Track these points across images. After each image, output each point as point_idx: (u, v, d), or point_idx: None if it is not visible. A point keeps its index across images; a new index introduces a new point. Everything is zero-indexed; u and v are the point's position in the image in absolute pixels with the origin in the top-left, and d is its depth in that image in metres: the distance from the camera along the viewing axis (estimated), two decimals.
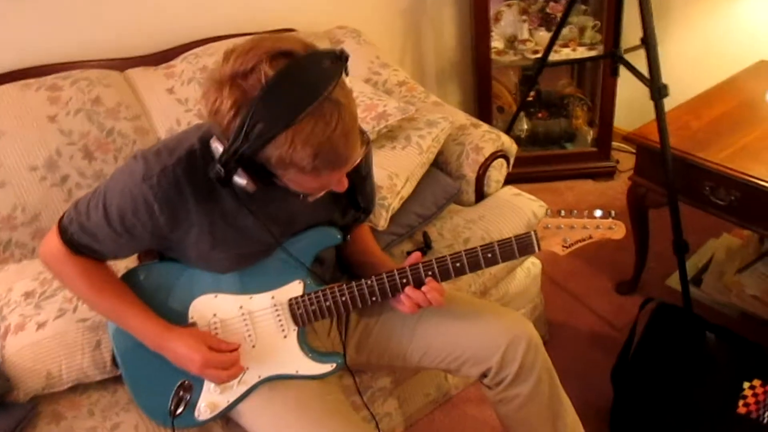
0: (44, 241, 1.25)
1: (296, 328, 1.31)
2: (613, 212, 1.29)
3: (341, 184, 1.11)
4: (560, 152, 2.89)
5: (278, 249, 1.26)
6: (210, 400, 1.31)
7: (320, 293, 1.28)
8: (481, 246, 1.26)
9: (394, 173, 1.70)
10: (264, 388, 1.32)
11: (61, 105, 1.73)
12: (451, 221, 1.81)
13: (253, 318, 1.30)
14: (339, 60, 0.98)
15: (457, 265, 1.27)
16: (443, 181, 1.84)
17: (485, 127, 1.91)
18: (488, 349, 1.34)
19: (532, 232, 1.26)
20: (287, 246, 1.27)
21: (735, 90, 2.08)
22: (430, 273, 1.26)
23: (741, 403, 1.57)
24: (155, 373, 1.29)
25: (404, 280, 1.27)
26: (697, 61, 2.63)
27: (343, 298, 1.29)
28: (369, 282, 1.27)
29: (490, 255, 1.26)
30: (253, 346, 1.31)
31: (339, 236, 1.31)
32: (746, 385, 1.57)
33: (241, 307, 1.29)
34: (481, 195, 1.88)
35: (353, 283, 1.28)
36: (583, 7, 2.73)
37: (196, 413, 1.30)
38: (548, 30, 2.67)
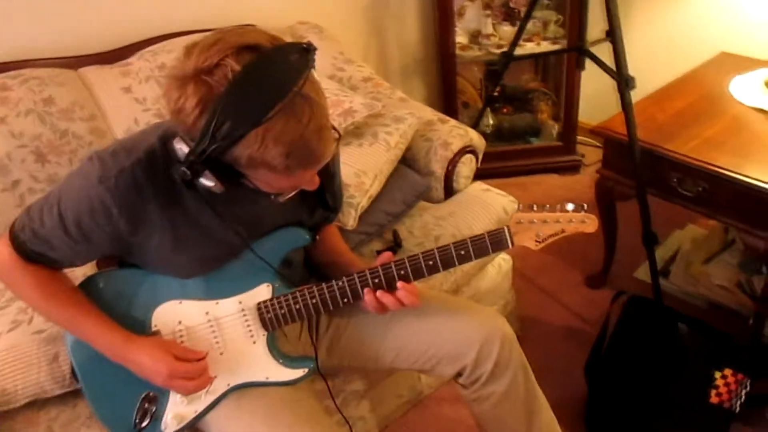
0: None
1: (265, 333, 1.26)
2: (585, 206, 1.27)
3: (313, 183, 1.07)
4: (526, 147, 2.89)
5: (245, 251, 1.21)
6: (177, 412, 1.26)
7: (289, 296, 1.24)
8: (453, 243, 1.23)
9: (362, 171, 1.67)
10: (233, 397, 1.27)
11: (10, 106, 1.64)
12: (421, 219, 1.78)
13: (220, 324, 1.25)
14: (306, 53, 0.94)
15: (430, 263, 1.24)
16: (412, 178, 1.82)
17: (452, 122, 1.89)
18: (463, 347, 1.32)
19: (505, 228, 1.24)
20: (254, 248, 1.22)
21: (697, 82, 2.10)
22: (402, 272, 1.23)
23: (713, 392, 1.58)
24: (117, 385, 1.23)
25: (376, 280, 1.23)
26: (658, 54, 2.65)
27: (314, 301, 1.25)
28: (340, 283, 1.24)
29: (463, 252, 1.23)
30: (221, 354, 1.26)
31: (308, 236, 1.27)
32: (717, 374, 1.58)
33: (207, 313, 1.24)
34: (450, 191, 1.86)
35: (323, 285, 1.24)
36: (546, 1, 2.73)
37: (162, 426, 1.25)
38: (512, 24, 2.67)
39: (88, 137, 1.70)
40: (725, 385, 1.57)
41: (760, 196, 1.61)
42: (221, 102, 0.88)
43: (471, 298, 1.81)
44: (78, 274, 1.36)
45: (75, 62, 1.85)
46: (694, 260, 2.23)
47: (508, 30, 2.67)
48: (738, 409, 1.59)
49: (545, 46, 2.64)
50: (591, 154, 2.94)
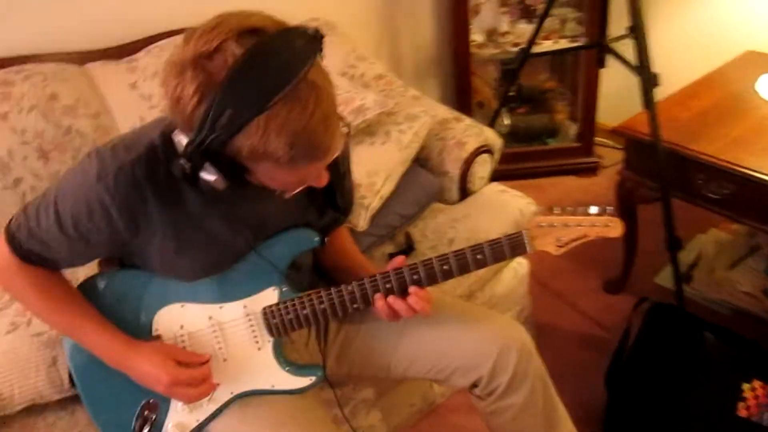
0: None
1: (271, 340, 1.21)
2: (609, 209, 1.21)
3: (321, 179, 1.01)
4: (542, 148, 2.82)
5: (250, 254, 1.16)
6: (178, 420, 1.20)
7: (297, 301, 1.18)
8: (469, 247, 1.17)
9: (374, 171, 1.61)
10: (237, 406, 1.21)
11: (13, 102, 1.59)
12: (435, 221, 1.72)
13: (224, 329, 1.19)
14: (314, 38, 0.88)
15: (445, 267, 1.17)
16: (425, 178, 1.76)
17: (468, 121, 1.83)
18: (478, 357, 1.25)
19: (524, 232, 1.18)
20: (260, 250, 1.16)
21: (723, 81, 2.02)
22: (415, 277, 1.17)
23: (741, 405, 1.50)
24: (116, 392, 1.18)
25: (388, 285, 1.17)
26: (681, 52, 2.57)
27: (322, 306, 1.19)
28: (350, 288, 1.18)
29: (479, 256, 1.17)
30: (225, 360, 1.20)
31: (317, 239, 1.21)
32: (746, 386, 1.51)
33: (210, 318, 1.18)
34: (465, 193, 1.80)
35: (332, 290, 1.18)
36: None
37: None
38: (529, 22, 2.60)
39: (93, 135, 1.65)
40: (754, 397, 1.50)
41: None
42: (221, 89, 0.83)
43: (486, 303, 1.74)
44: (80, 274, 1.31)
45: (81, 57, 1.80)
46: (717, 266, 2.15)
47: (524, 28, 2.60)
48: (767, 422, 1.51)
49: (563, 44, 2.57)
50: (609, 155, 2.86)
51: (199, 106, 0.85)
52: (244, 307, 1.19)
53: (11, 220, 1.10)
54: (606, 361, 1.75)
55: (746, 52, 2.19)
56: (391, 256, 1.63)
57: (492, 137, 1.80)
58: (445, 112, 1.87)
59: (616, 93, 2.63)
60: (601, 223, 1.20)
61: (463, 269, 1.18)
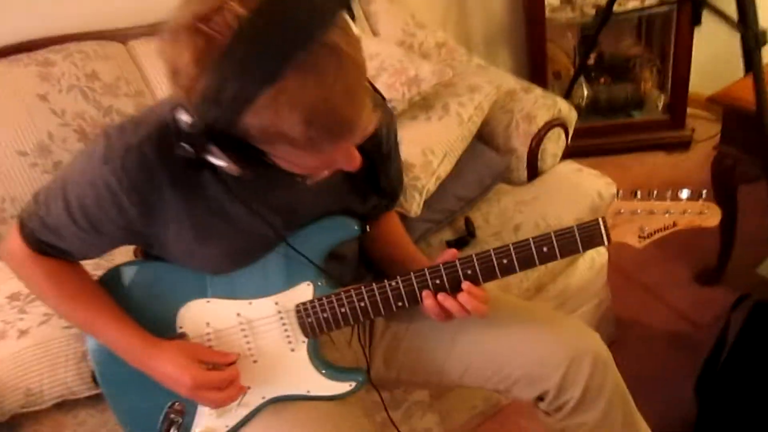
0: (6, 237, 1.05)
1: (306, 340, 1.08)
2: (704, 192, 1.02)
3: (351, 161, 0.86)
4: (626, 121, 2.59)
5: (281, 245, 1.03)
6: (206, 425, 1.10)
7: (333, 298, 1.04)
8: (534, 238, 1.00)
9: (429, 149, 1.44)
10: (269, 411, 1.10)
11: (53, 82, 1.54)
12: (499, 204, 1.54)
13: (254, 328, 1.07)
14: None
15: (504, 261, 1.01)
16: (488, 156, 1.58)
17: (538, 91, 1.63)
18: (544, 367, 1.08)
19: (600, 220, 1.00)
20: (292, 240, 1.03)
21: None
22: (469, 272, 1.01)
23: None
24: (141, 393, 1.08)
25: (437, 281, 1.02)
26: None
27: (362, 304, 1.04)
28: (393, 283, 1.03)
29: (546, 249, 1.00)
30: (255, 362, 1.08)
31: (357, 227, 1.07)
32: None
33: (238, 315, 1.07)
34: (534, 172, 1.61)
35: (374, 286, 1.03)
36: None
37: None
38: None
39: None
40: None
41: None
42: (222, 56, 0.69)
43: (557, 297, 1.55)
44: (117, 260, 1.22)
45: (124, 35, 1.72)
46: None
47: None
48: None
49: (650, 3, 2.30)
50: (703, 128, 2.59)
51: (198, 78, 0.72)
52: (276, 303, 1.06)
53: (24, 208, 1.02)
54: (697, 365, 1.54)
55: None
56: (450, 244, 1.47)
57: (566, 109, 1.59)
58: (512, 82, 1.68)
59: (712, 57, 2.38)
60: (694, 211, 1.02)
61: (527, 264, 1.02)
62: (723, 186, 1.73)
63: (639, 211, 1.02)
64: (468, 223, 1.49)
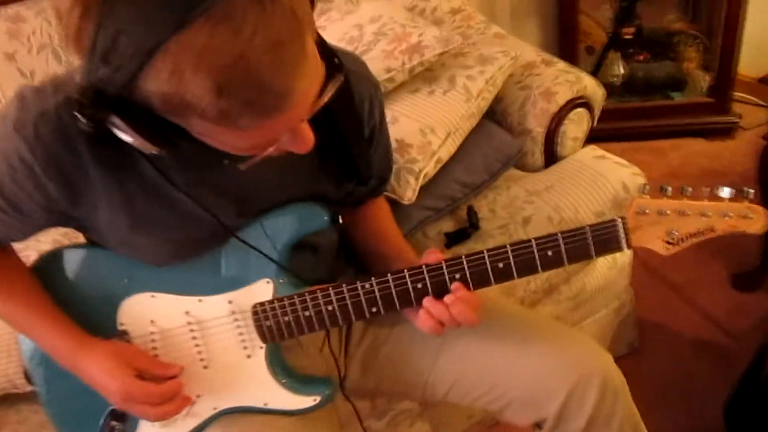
0: None
1: (264, 346, 0.92)
2: (749, 192, 0.84)
3: (300, 142, 0.70)
4: (665, 103, 2.35)
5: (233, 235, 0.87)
6: None
7: (297, 299, 0.89)
8: (538, 239, 0.84)
9: (430, 127, 1.27)
10: (221, 425, 0.96)
11: (22, 40, 1.40)
12: (509, 193, 1.36)
13: (204, 329, 0.92)
14: None
15: (500, 266, 0.85)
16: (500, 138, 1.40)
17: (561, 65, 1.43)
18: (543, 391, 0.92)
19: (619, 221, 0.84)
20: (249, 231, 0.88)
21: None
22: (457, 276, 0.85)
23: None
24: (78, 396, 0.95)
25: (419, 285, 0.86)
26: None
27: (330, 308, 0.89)
28: (367, 285, 0.87)
29: (551, 253, 0.85)
30: (206, 368, 0.94)
31: (326, 218, 0.90)
32: None
33: (187, 314, 0.92)
34: (551, 158, 1.42)
35: (344, 287, 0.88)
36: None
37: None
38: None
39: None
40: None
41: None
42: (110, 2, 0.53)
43: (571, 300, 1.37)
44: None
45: None
46: None
47: None
48: None
49: None
50: (750, 114, 2.38)
51: (83, 26, 0.56)
52: (230, 302, 0.91)
53: None
54: (729, 380, 1.36)
55: None
56: (449, 236, 1.30)
57: (592, 86, 1.40)
58: (532, 53, 1.48)
59: (763, 35, 2.15)
60: (736, 213, 0.83)
61: (527, 270, 0.86)
62: None
63: (668, 211, 0.85)
64: (471, 212, 1.31)
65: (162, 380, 0.89)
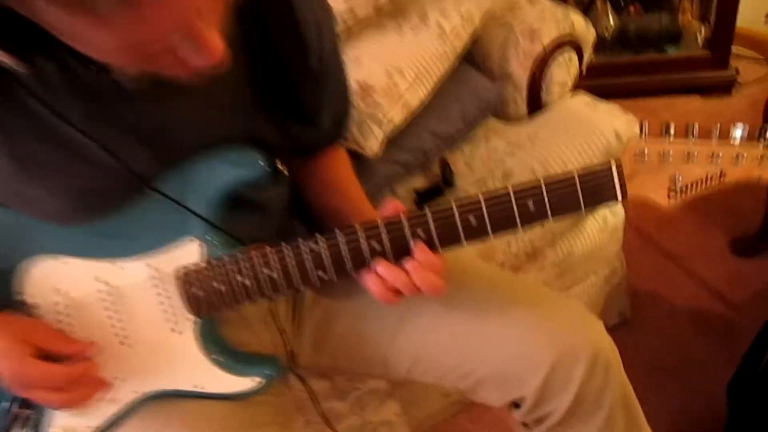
0: None
1: (192, 318, 0.77)
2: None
3: (203, 51, 0.54)
4: (659, 57, 2.21)
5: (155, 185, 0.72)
6: (62, 424, 0.82)
7: (228, 261, 0.74)
8: (516, 187, 0.69)
9: (396, 68, 1.12)
10: (145, 411, 0.81)
11: None
12: (488, 145, 1.22)
13: (120, 299, 0.78)
14: None
15: (471, 221, 0.71)
16: (477, 82, 1.25)
17: (546, 2, 1.27)
18: (520, 365, 0.79)
19: (612, 164, 0.69)
20: (170, 180, 0.73)
21: None
22: (421, 234, 0.71)
23: None
24: None
25: (375, 245, 0.71)
26: None
27: (269, 273, 0.74)
28: (312, 245, 0.72)
29: (533, 205, 0.70)
30: (124, 344, 0.79)
31: (261, 163, 0.75)
32: None
33: (98, 280, 0.77)
34: (535, 105, 1.27)
35: (285, 247, 0.73)
36: None
37: None
38: None
39: None
40: None
41: None
42: None
43: (557, 266, 1.23)
44: None
45: None
46: None
47: None
48: None
49: None
50: (749, 69, 2.25)
51: None
52: (149, 266, 0.76)
53: None
54: (729, 353, 1.26)
55: None
56: (419, 193, 1.15)
57: (581, 25, 1.25)
58: None
59: None
60: (751, 156, 0.70)
61: (504, 225, 0.72)
62: None
63: (672, 154, 0.71)
64: (444, 167, 1.17)
65: (70, 360, 0.74)
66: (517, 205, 0.70)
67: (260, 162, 0.74)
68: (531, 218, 0.71)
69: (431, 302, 0.82)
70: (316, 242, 0.72)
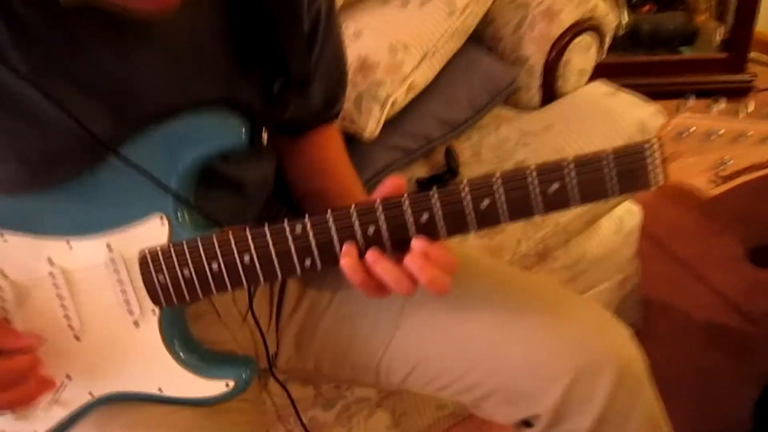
0: None
1: (157, 310, 0.66)
2: None
3: None
4: (672, 58, 2.11)
5: (112, 153, 0.62)
6: (3, 430, 0.70)
7: (201, 245, 0.63)
8: (540, 166, 0.59)
9: (402, 44, 1.01)
10: (99, 417, 0.70)
11: None
12: (497, 133, 1.11)
13: (74, 284, 0.67)
14: None
15: (484, 205, 0.60)
16: (489, 66, 1.15)
17: None
18: (535, 378, 0.68)
19: (656, 143, 0.59)
20: (133, 146, 0.63)
21: None
22: (425, 218, 0.60)
23: None
24: None
25: (370, 229, 0.61)
26: None
27: (247, 259, 0.64)
28: (298, 228, 0.62)
29: (556, 188, 0.60)
30: (77, 338, 0.68)
31: (239, 131, 0.64)
32: None
33: (50, 262, 0.66)
34: (550, 94, 1.16)
35: (267, 228, 0.62)
36: None
37: None
38: None
39: None
40: None
41: None
42: None
43: (568, 269, 1.13)
44: None
45: None
46: None
47: None
48: None
49: None
50: (765, 75, 2.12)
51: None
52: (108, 247, 0.66)
53: None
54: (747, 370, 1.19)
55: None
56: (421, 183, 1.05)
57: (603, 8, 1.15)
58: None
59: None
60: None
61: (523, 210, 0.61)
62: None
63: (720, 132, 0.61)
64: (450, 155, 1.06)
65: (11, 355, 0.64)
66: (539, 187, 0.60)
67: (241, 128, 0.64)
68: (553, 204, 0.61)
69: (433, 301, 0.71)
70: (304, 225, 0.62)
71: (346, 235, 0.62)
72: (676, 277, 1.53)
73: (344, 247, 0.60)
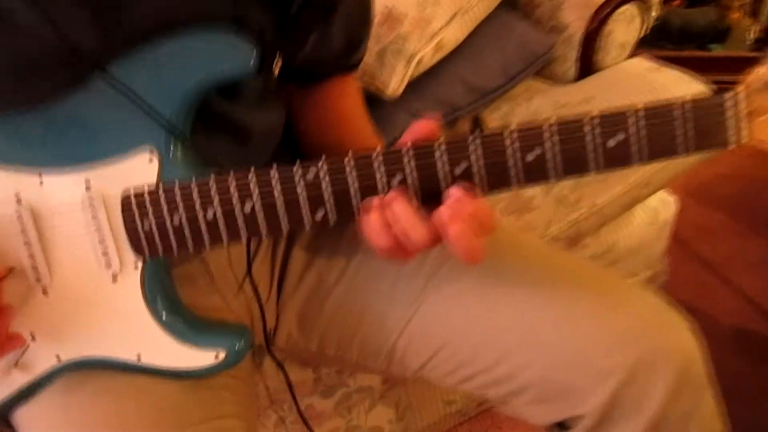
0: None
1: (139, 262, 0.56)
2: None
3: None
4: (703, 54, 2.02)
5: (98, 72, 0.52)
6: None
7: (195, 188, 0.54)
8: (602, 112, 0.50)
9: None
10: (66, 386, 0.61)
11: None
12: (529, 104, 1.02)
13: (44, 228, 0.58)
14: None
15: (533, 156, 0.51)
16: (524, 32, 1.06)
17: None
18: (579, 374, 0.58)
19: (742, 92, 0.51)
20: (122, 66, 0.54)
21: None
22: (461, 169, 0.51)
23: None
24: None
25: (397, 177, 0.52)
26: None
27: (248, 207, 0.54)
28: (312, 172, 0.52)
29: (619, 140, 0.51)
30: (44, 292, 0.58)
31: (247, 56, 0.54)
32: None
33: (18, 200, 0.56)
34: (588, 67, 1.07)
35: (275, 171, 0.53)
36: None
37: None
38: None
39: None
40: None
41: None
42: None
43: (599, 259, 1.04)
44: None
45: None
46: None
47: None
48: None
49: None
50: None
51: None
52: (86, 184, 0.56)
53: None
54: None
55: None
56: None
57: None
58: None
59: None
60: None
61: (576, 165, 0.52)
62: None
63: None
64: (476, 124, 0.97)
65: None
66: (597, 139, 0.51)
67: (251, 52, 0.54)
68: (614, 159, 0.52)
69: (464, 275, 0.61)
70: (318, 169, 0.52)
71: (367, 184, 0.52)
72: (702, 279, 1.44)
73: (367, 202, 0.51)
